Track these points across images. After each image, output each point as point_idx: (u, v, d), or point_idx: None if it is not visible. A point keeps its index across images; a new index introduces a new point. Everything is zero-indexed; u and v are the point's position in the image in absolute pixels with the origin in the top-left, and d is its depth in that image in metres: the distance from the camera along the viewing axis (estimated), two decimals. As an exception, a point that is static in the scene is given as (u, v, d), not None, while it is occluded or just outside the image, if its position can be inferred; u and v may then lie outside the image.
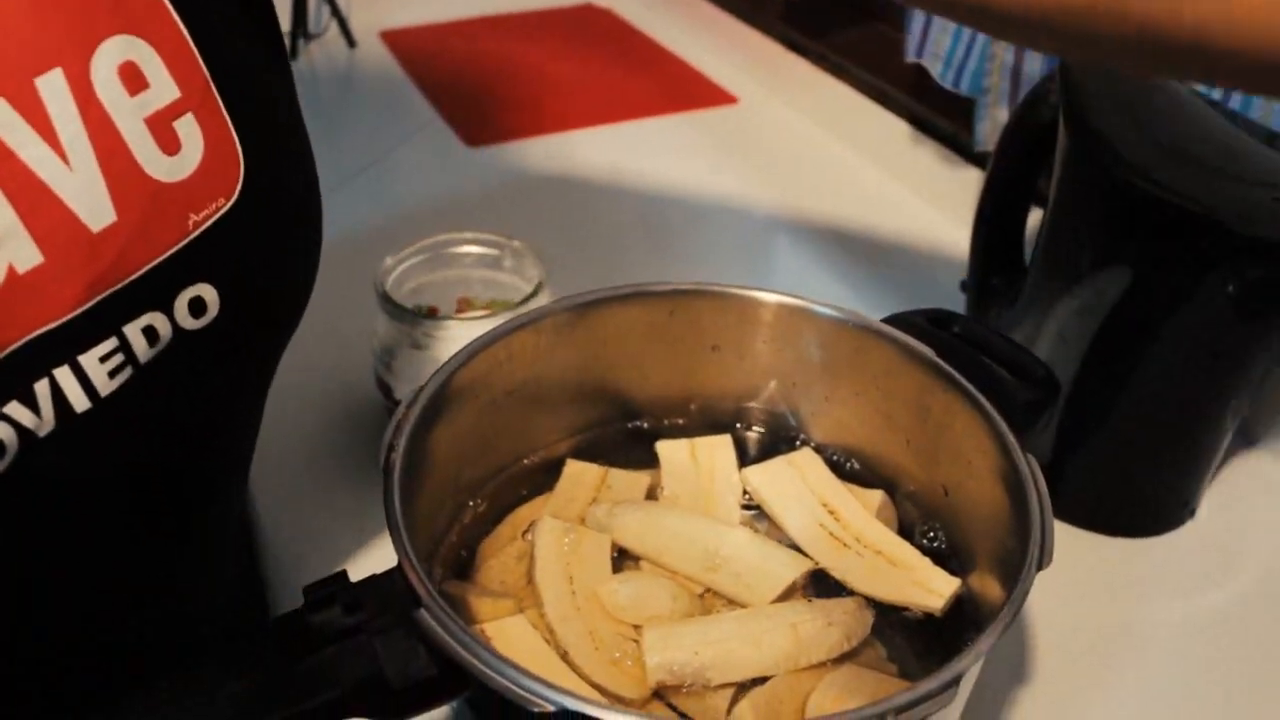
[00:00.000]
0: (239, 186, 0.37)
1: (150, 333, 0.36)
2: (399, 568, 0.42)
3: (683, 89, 1.25)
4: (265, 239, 0.39)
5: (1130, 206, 0.61)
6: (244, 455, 0.49)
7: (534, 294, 0.66)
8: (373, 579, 0.43)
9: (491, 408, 0.55)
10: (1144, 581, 0.67)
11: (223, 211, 0.37)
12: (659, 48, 1.34)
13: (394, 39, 1.34)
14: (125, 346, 0.35)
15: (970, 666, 0.41)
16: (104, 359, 0.35)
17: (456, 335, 0.63)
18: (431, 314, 0.67)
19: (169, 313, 0.36)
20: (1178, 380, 0.65)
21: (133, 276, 0.35)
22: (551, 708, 0.37)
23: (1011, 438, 0.50)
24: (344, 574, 0.42)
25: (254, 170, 0.38)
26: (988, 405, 0.51)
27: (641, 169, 1.08)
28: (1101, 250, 0.64)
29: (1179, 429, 0.67)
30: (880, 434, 0.58)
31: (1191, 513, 0.71)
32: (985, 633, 0.42)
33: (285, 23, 1.29)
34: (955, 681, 0.40)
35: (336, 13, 1.32)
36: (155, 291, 0.36)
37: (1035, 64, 0.81)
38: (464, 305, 0.72)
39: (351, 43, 1.33)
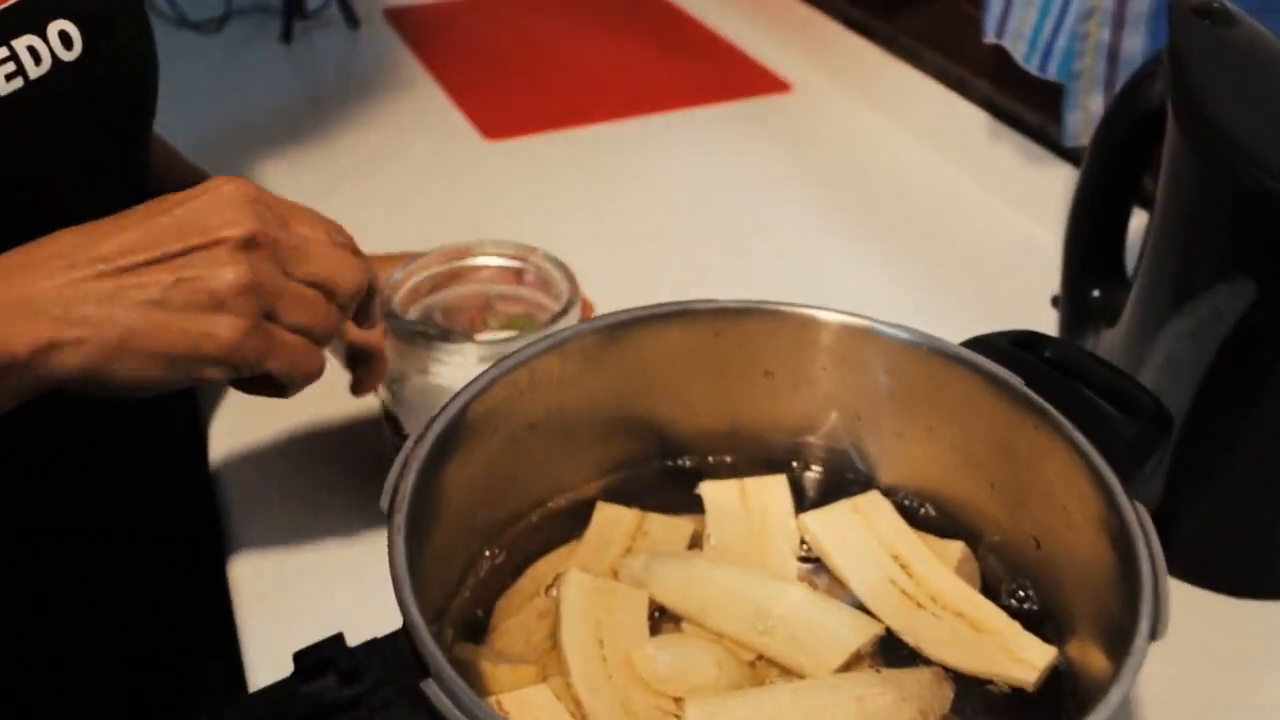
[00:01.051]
0: None
1: (33, 53, 0.53)
2: (404, 630, 0.42)
3: (729, 75, 1.25)
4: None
5: (1254, 208, 0.60)
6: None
7: (563, 313, 0.65)
8: (373, 643, 0.42)
9: (512, 444, 0.55)
10: (1271, 650, 0.65)
11: None
12: (702, 28, 1.34)
13: (401, 18, 1.35)
14: (15, 58, 0.52)
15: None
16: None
17: (471, 360, 0.62)
18: (444, 336, 0.66)
19: (44, 38, 0.53)
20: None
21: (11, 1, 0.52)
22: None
23: (1116, 482, 0.49)
24: (340, 638, 0.42)
25: None
26: (1086, 443, 0.50)
27: (683, 167, 1.08)
28: (1220, 259, 0.62)
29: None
30: (960, 475, 0.58)
31: (1326, 568, 0.69)
32: (1090, 716, 0.41)
33: (278, 0, 1.31)
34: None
35: (337, -11, 1.34)
36: (31, 16, 0.53)
37: (1136, 42, 0.80)
38: (480, 325, 0.72)
39: (353, 23, 1.34)
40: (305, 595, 0.64)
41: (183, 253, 0.47)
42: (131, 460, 0.70)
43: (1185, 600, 0.67)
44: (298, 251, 0.50)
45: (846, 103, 1.19)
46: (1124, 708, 0.60)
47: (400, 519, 0.45)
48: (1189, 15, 0.66)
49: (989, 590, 0.56)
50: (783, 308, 0.58)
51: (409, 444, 0.48)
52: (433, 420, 0.50)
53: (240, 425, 0.75)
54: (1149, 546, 0.46)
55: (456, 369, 0.63)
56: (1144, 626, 0.43)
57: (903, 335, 0.57)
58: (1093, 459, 0.50)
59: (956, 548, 0.57)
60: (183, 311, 0.46)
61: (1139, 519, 0.47)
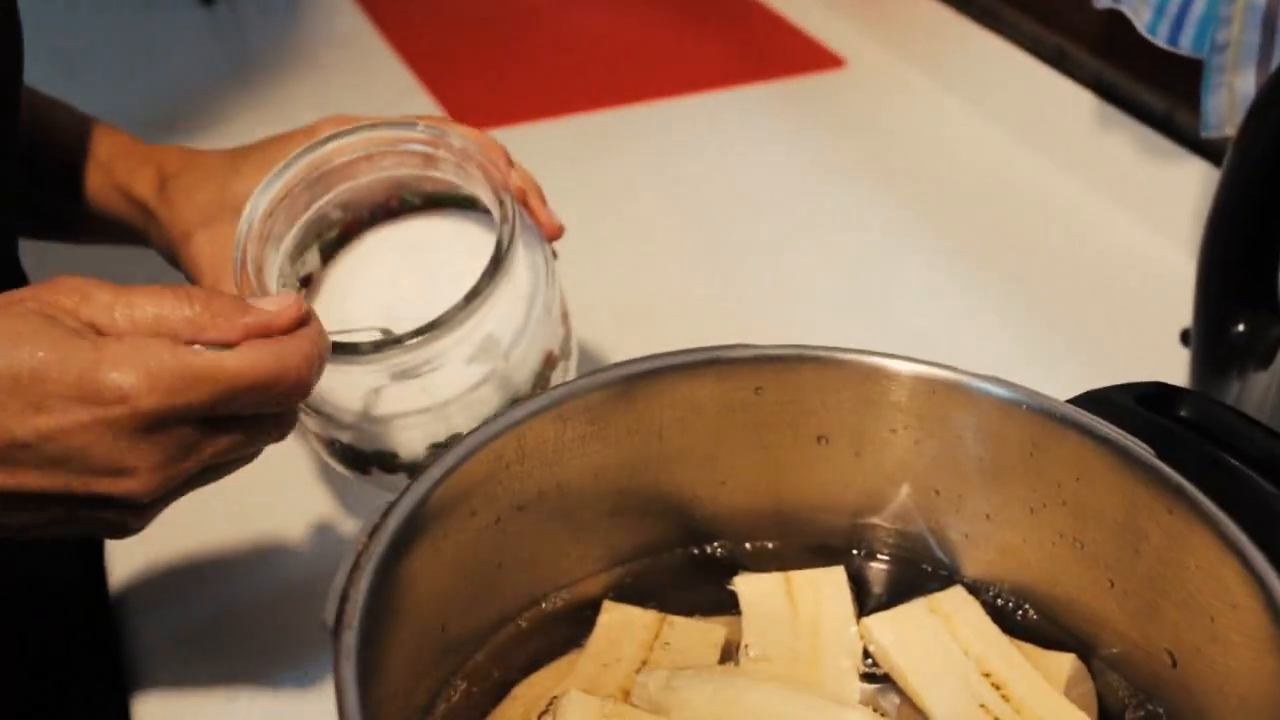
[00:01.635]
0: None
1: None
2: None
3: (769, 49, 1.25)
4: None
5: None
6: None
7: (502, 208, 0.61)
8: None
9: (495, 531, 0.55)
10: None
11: None
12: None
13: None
14: None
15: None
16: None
17: (373, 372, 0.62)
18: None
19: None
20: None
21: None
22: None
23: (1273, 575, 0.48)
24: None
25: None
26: (1237, 531, 0.49)
27: (711, 162, 1.08)
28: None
29: None
30: (1070, 570, 0.57)
31: None
32: None
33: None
34: None
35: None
36: None
37: (1297, 9, 0.80)
38: (394, 203, 0.69)
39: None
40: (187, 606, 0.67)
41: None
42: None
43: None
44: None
45: (912, 81, 1.20)
46: None
47: (350, 639, 0.44)
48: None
49: (1108, 717, 0.55)
50: (841, 355, 0.58)
51: (360, 537, 0.48)
52: (391, 507, 0.49)
53: None
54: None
55: (349, 374, 0.62)
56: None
57: (996, 390, 0.56)
58: (1247, 552, 0.49)
59: (1066, 661, 0.56)
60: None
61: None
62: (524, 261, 0.64)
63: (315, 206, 0.66)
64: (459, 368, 0.63)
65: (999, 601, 0.59)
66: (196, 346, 0.50)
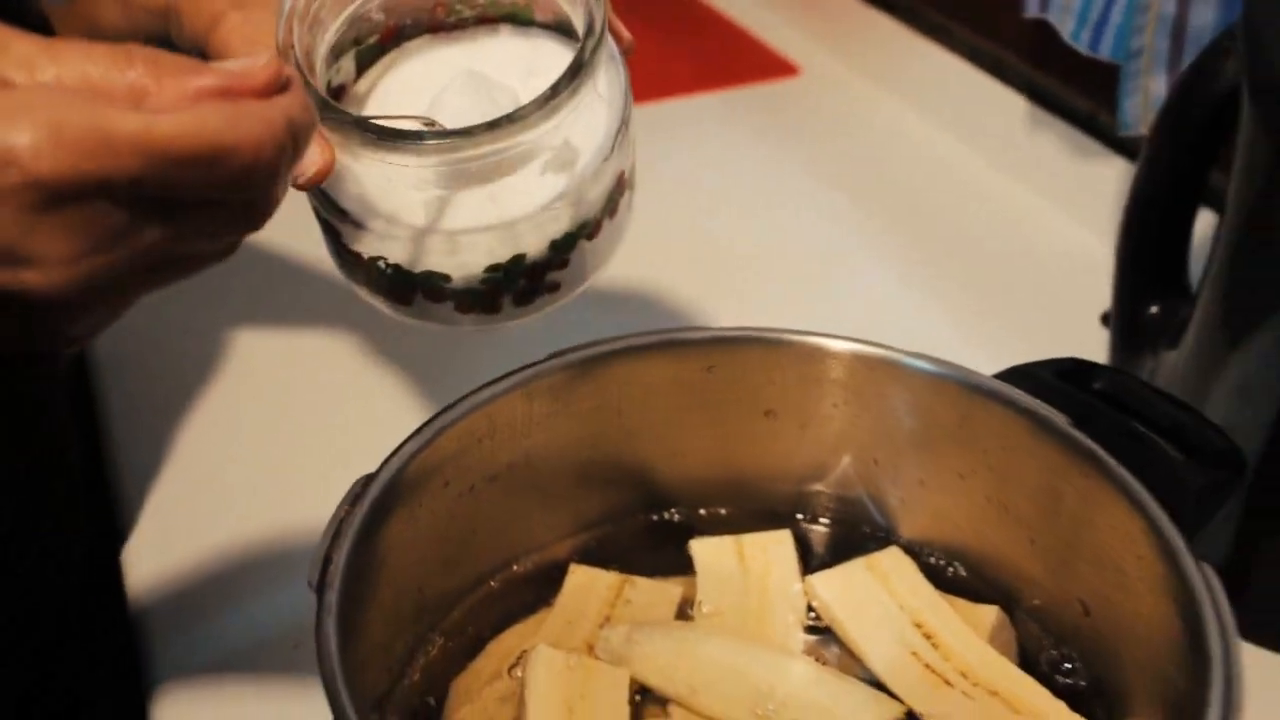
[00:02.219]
0: None
1: None
2: (333, 726, 0.41)
3: (727, 58, 1.25)
4: None
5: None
6: None
7: (590, 34, 0.50)
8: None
9: (468, 499, 0.55)
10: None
11: None
12: (698, 4, 1.34)
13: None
14: None
15: None
16: None
17: (427, 167, 0.51)
18: (383, 135, 0.50)
19: None
20: None
21: None
22: None
23: (1179, 539, 0.48)
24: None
25: None
26: (1140, 490, 0.50)
27: (673, 165, 1.07)
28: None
29: None
30: (995, 530, 0.57)
31: None
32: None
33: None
34: None
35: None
36: None
37: (1206, 15, 0.80)
38: (443, 14, 0.58)
39: None
40: (221, 683, 0.64)
41: None
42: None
43: (1259, 668, 0.66)
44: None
45: (862, 87, 1.20)
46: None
47: (332, 597, 0.44)
48: (1268, -18, 0.66)
49: (1028, 663, 0.55)
50: (786, 336, 0.58)
51: (342, 505, 0.48)
52: (371, 478, 0.49)
53: (154, 476, 0.75)
54: (1219, 615, 0.46)
55: (405, 177, 0.52)
56: (1215, 710, 0.43)
57: (928, 367, 0.57)
58: (1151, 511, 0.49)
59: (990, 613, 0.56)
60: None
61: (1206, 582, 0.47)
62: (607, 67, 0.53)
63: (351, 8, 0.54)
64: (533, 177, 0.52)
65: (931, 560, 0.59)
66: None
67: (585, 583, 0.58)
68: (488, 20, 0.57)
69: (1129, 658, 0.52)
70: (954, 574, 0.59)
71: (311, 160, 0.49)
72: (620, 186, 0.56)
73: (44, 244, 0.36)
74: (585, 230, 0.54)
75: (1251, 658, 0.66)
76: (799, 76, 1.22)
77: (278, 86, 0.40)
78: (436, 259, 0.53)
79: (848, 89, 1.20)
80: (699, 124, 1.14)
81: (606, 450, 0.59)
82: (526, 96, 0.50)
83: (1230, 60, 0.66)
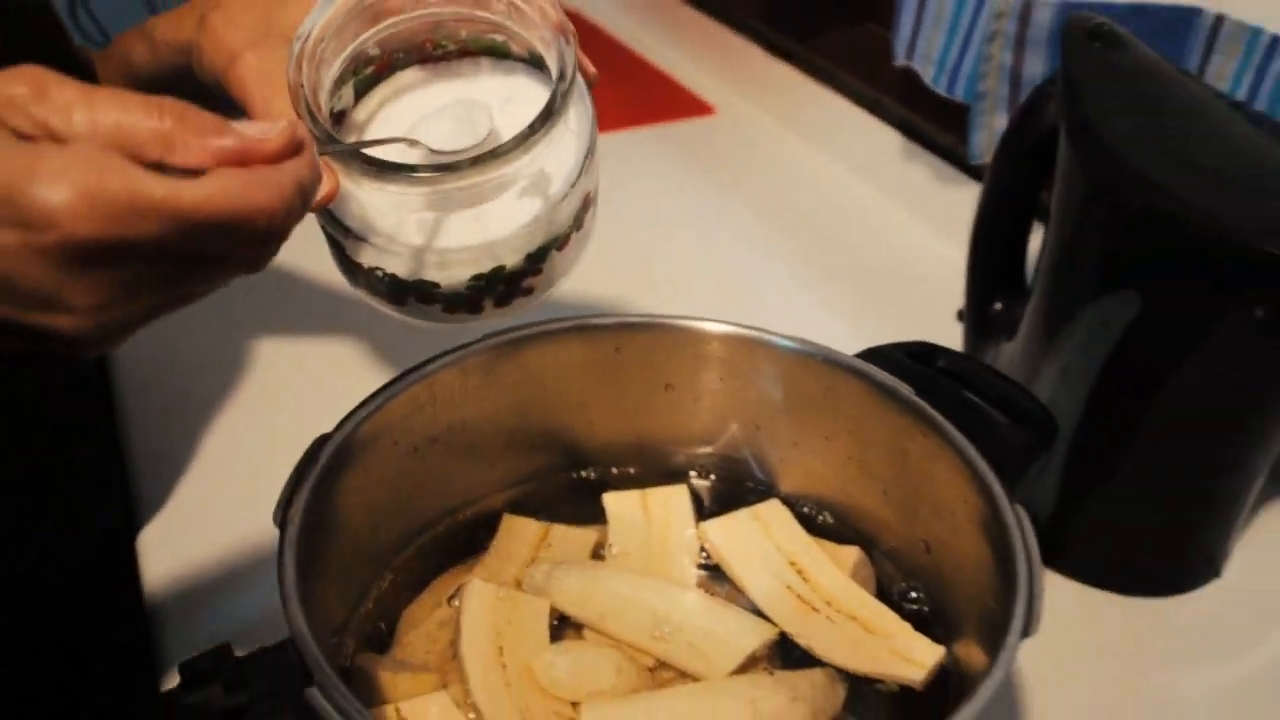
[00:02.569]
0: None
1: None
2: (290, 639, 0.41)
3: (655, 98, 1.25)
4: (8, 35, 0.50)
5: (1139, 223, 0.61)
6: None
7: (562, 78, 0.50)
8: (260, 653, 0.42)
9: (414, 457, 0.55)
10: (1164, 647, 0.66)
11: None
12: (628, 52, 1.35)
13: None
14: None
15: (942, 746, 0.40)
16: None
17: (414, 195, 0.51)
18: (380, 168, 0.49)
19: None
20: (1197, 420, 0.65)
21: None
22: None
23: (997, 485, 0.50)
24: (227, 647, 0.42)
25: None
26: (970, 449, 0.52)
27: (605, 189, 1.07)
28: (1107, 273, 0.64)
29: (1200, 475, 0.67)
30: (855, 484, 0.58)
31: (1217, 569, 0.70)
32: (962, 708, 0.41)
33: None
34: (924, 765, 0.40)
35: None
36: None
37: (1037, 65, 0.81)
38: (430, 48, 0.57)
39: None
40: (211, 605, 0.64)
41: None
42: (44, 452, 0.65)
43: (1077, 600, 0.68)
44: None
45: (768, 125, 1.21)
46: (1017, 702, 0.61)
47: (292, 531, 0.45)
48: (1082, 39, 0.68)
49: (883, 593, 0.57)
50: (679, 321, 0.58)
51: (302, 458, 0.48)
52: (327, 436, 0.50)
53: (158, 410, 0.75)
54: (1026, 547, 0.47)
55: (400, 201, 0.52)
56: (1017, 623, 0.44)
57: (797, 347, 0.57)
58: (977, 465, 0.51)
59: (852, 553, 0.58)
60: None
61: (1019, 521, 0.48)
62: (576, 104, 0.53)
63: (361, 39, 0.53)
64: (512, 201, 0.52)
65: (804, 510, 0.60)
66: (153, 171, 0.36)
67: (515, 529, 0.58)
68: (469, 53, 0.56)
69: (960, 587, 0.53)
70: (823, 521, 0.60)
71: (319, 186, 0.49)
72: (586, 204, 0.56)
73: (77, 295, 0.36)
74: (556, 243, 0.54)
75: (1075, 594, 0.69)
76: (715, 115, 1.23)
77: (292, 150, 0.39)
78: (428, 271, 0.53)
79: (755, 125, 1.21)
80: (628, 155, 1.15)
81: (532, 418, 0.59)
82: (504, 121, 0.50)
83: (1052, 103, 0.68)
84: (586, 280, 0.92)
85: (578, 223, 0.55)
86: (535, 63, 0.55)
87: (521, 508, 0.59)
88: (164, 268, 0.38)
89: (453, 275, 0.53)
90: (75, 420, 0.67)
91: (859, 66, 1.09)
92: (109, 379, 0.81)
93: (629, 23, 1.38)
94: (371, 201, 0.52)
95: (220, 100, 0.56)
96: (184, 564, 0.67)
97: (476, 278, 0.53)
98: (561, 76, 0.50)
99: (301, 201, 0.39)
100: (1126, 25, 0.68)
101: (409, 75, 0.56)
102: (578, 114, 0.54)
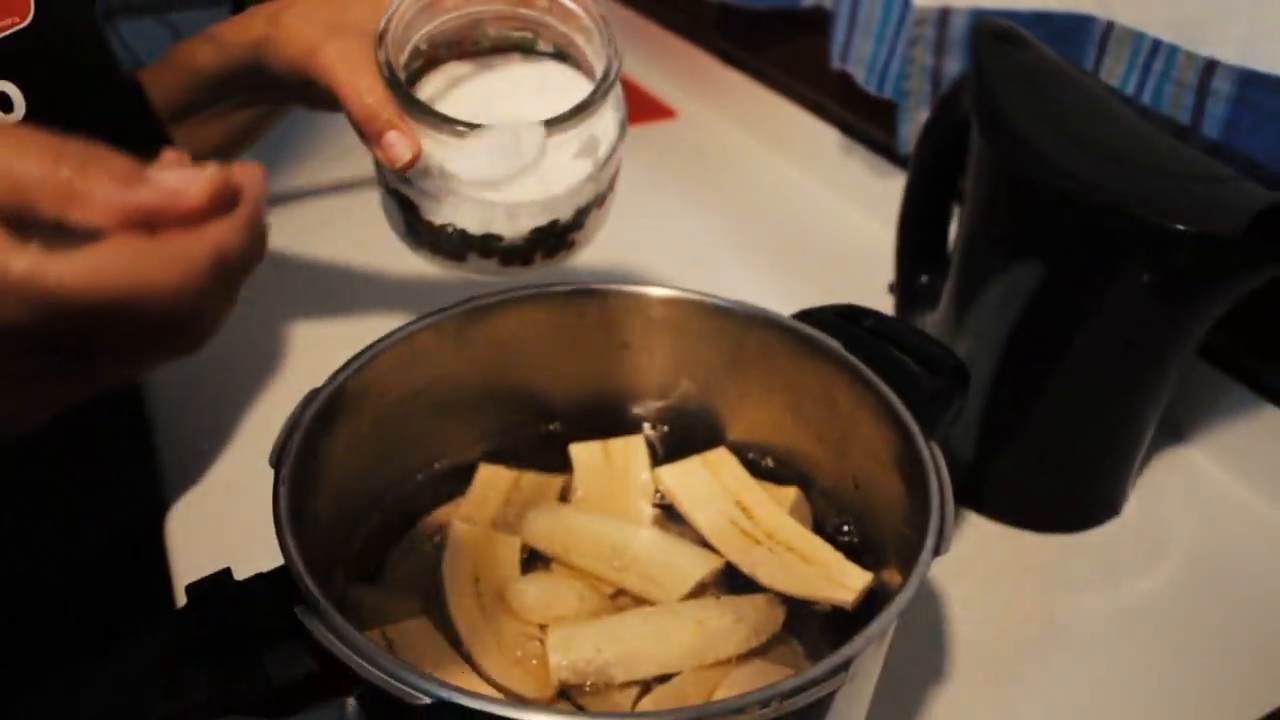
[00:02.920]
0: (31, 12, 0.47)
1: None
2: (283, 565, 0.42)
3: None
4: (56, 56, 0.48)
5: (1042, 201, 0.62)
6: None
7: (605, 79, 0.52)
8: (257, 577, 0.42)
9: (397, 410, 0.55)
10: (1069, 577, 0.67)
11: (17, 29, 0.46)
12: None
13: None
14: None
15: (860, 652, 0.41)
16: None
17: (472, 150, 0.52)
18: (440, 119, 0.51)
19: None
20: (1095, 374, 0.66)
21: None
22: (428, 700, 0.37)
23: (914, 425, 0.50)
24: (228, 571, 0.42)
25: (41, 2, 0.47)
26: (890, 393, 0.52)
27: None
28: (1014, 245, 0.65)
29: (1099, 423, 0.68)
30: (792, 430, 0.59)
31: (1116, 509, 0.71)
32: (876, 619, 0.42)
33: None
34: (844, 666, 0.40)
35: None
36: None
37: (955, 65, 0.82)
38: (468, 44, 0.58)
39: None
40: (226, 533, 0.63)
41: None
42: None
43: (993, 537, 0.69)
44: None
45: (724, 126, 1.21)
46: (939, 626, 0.62)
47: (285, 471, 0.45)
48: (990, 40, 0.69)
49: (819, 527, 0.57)
50: (628, 288, 0.58)
51: (296, 408, 0.48)
52: (318, 390, 0.49)
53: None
54: (939, 478, 0.48)
55: (457, 154, 0.53)
56: (930, 542, 0.45)
57: (735, 307, 0.57)
58: (897, 409, 0.51)
59: (790, 492, 0.58)
60: None
61: (932, 455, 0.49)
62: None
63: (420, 32, 0.55)
64: (569, 161, 0.54)
65: (750, 455, 0.60)
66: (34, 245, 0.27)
67: (490, 477, 0.58)
68: (500, 49, 0.58)
69: (884, 518, 0.53)
70: (765, 465, 0.60)
71: (403, 150, 0.51)
72: (618, 169, 0.59)
73: None
74: (597, 200, 0.57)
75: (992, 531, 0.70)
76: (676, 119, 1.23)
77: (218, 206, 0.29)
78: (496, 224, 0.55)
79: (713, 127, 1.21)
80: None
81: (503, 377, 0.59)
82: (543, 104, 0.52)
83: (966, 96, 0.69)
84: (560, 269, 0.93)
85: (612, 184, 0.58)
86: (559, 56, 0.58)
87: (496, 458, 0.59)
88: (49, 355, 0.29)
89: (517, 227, 0.55)
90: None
91: (803, 73, 1.10)
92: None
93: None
94: (450, 160, 0.52)
95: (291, 91, 0.58)
96: (195, 497, 0.68)
97: (535, 230, 0.55)
98: (611, 62, 0.53)
99: (224, 274, 0.29)
100: (1030, 29, 0.69)
101: (450, 69, 0.58)
102: (617, 90, 0.56)
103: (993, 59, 0.68)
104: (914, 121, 0.86)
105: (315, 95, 0.56)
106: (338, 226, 0.97)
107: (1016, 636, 0.63)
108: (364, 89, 0.51)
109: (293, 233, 0.95)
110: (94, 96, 0.53)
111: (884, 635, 0.44)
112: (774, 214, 1.04)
